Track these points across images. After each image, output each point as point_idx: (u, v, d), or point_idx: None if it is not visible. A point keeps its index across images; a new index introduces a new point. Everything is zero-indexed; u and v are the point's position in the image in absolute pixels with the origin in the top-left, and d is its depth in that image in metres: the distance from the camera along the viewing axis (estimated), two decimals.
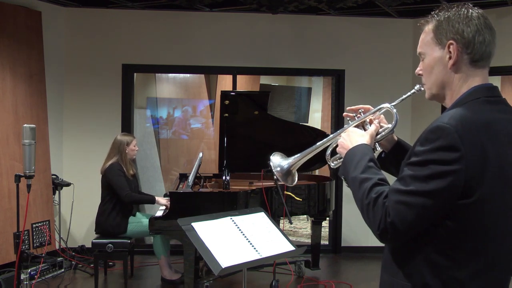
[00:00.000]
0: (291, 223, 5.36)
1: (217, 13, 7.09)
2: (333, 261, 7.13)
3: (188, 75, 8.79)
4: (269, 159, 2.25)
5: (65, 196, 6.60)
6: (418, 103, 7.12)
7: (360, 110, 2.13)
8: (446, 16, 1.80)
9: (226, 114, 5.84)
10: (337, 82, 7.41)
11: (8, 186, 5.70)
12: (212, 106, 8.94)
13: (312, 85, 10.41)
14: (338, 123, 7.35)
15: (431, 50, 1.82)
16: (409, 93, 2.03)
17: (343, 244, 7.42)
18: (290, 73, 8.26)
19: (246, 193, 5.21)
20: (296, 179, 2.23)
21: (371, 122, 2.08)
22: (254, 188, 5.48)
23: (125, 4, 6.80)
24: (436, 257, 1.70)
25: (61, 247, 6.43)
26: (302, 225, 9.22)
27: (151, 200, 5.74)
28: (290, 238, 3.48)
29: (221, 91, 5.92)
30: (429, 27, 1.84)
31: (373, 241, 7.72)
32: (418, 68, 1.90)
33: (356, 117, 2.13)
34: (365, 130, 2.06)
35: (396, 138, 2.15)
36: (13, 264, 5.05)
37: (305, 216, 8.23)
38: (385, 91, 7.28)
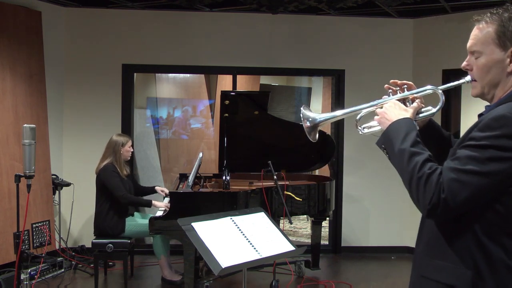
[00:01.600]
0: (291, 223, 5.35)
1: (217, 13, 7.09)
2: (333, 261, 7.12)
3: (188, 75, 8.81)
4: (299, 111, 2.21)
5: (65, 196, 6.60)
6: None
7: (404, 86, 2.12)
8: (511, 19, 1.80)
9: (226, 114, 5.84)
10: (337, 82, 7.41)
11: (8, 186, 5.69)
12: (212, 106, 8.95)
13: (312, 85, 10.41)
14: (338, 123, 7.33)
15: (490, 51, 1.83)
16: (458, 82, 2.01)
17: (343, 244, 7.41)
18: (290, 73, 8.26)
19: (246, 193, 5.21)
20: (317, 136, 2.21)
21: (413, 100, 2.07)
22: (254, 188, 5.48)
23: (125, 4, 6.80)
24: (485, 240, 1.75)
25: (61, 247, 6.42)
26: (302, 225, 9.21)
27: (148, 204, 5.63)
28: (290, 238, 3.49)
29: (221, 91, 5.92)
30: (489, 27, 1.84)
31: (373, 241, 7.76)
32: (465, 63, 1.93)
33: (398, 92, 2.12)
34: (405, 106, 2.06)
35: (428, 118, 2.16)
36: (13, 264, 5.04)
37: (305, 216, 8.23)
38: (385, 91, 7.25)
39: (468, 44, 1.90)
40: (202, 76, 8.79)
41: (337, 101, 7.40)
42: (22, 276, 4.97)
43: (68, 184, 6.54)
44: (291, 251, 3.08)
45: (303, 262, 6.18)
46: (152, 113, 8.60)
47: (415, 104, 2.04)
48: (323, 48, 7.31)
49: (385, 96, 2.12)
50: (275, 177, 5.34)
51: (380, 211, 7.33)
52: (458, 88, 6.55)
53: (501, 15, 1.82)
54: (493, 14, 1.84)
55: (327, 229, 7.63)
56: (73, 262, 6.28)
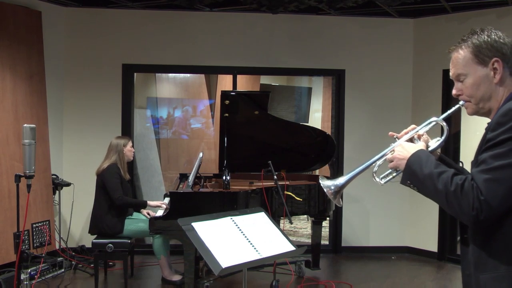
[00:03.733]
0: (291, 223, 5.34)
1: (217, 13, 7.08)
2: (333, 261, 7.11)
3: (188, 75, 8.79)
4: (320, 184, 2.29)
5: (65, 196, 6.59)
6: (418, 106, 7.12)
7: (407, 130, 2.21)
8: (482, 39, 1.97)
9: (227, 114, 5.82)
10: (337, 82, 7.39)
11: (8, 186, 5.67)
12: (212, 106, 8.93)
13: (312, 85, 10.40)
14: (338, 123, 7.33)
15: (473, 70, 1.98)
16: (455, 108, 2.12)
17: (343, 244, 7.40)
18: (290, 73, 8.27)
19: (246, 193, 5.18)
20: (341, 201, 2.27)
21: (419, 137, 2.16)
22: (254, 188, 5.46)
23: (125, 4, 6.79)
24: None
25: (61, 247, 6.41)
26: (303, 225, 9.19)
27: (143, 204, 5.73)
28: (290, 238, 3.48)
29: (221, 91, 5.90)
30: (464, 51, 1.99)
31: (373, 241, 7.76)
32: (455, 90, 2.05)
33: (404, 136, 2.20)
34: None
35: (438, 153, 2.22)
36: (13, 264, 5.03)
37: (306, 216, 8.21)
38: (385, 91, 7.27)
39: (451, 73, 2.05)
40: (202, 76, 8.78)
41: (337, 101, 7.38)
42: (22, 276, 5.02)
43: (68, 184, 6.53)
44: (292, 251, 3.08)
45: (303, 262, 6.16)
46: (152, 113, 8.59)
47: (424, 138, 2.15)
48: (323, 48, 7.29)
49: (392, 144, 2.20)
50: (275, 177, 5.32)
51: (380, 211, 7.33)
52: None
53: (471, 38, 1.99)
54: (464, 41, 2.01)
55: (327, 229, 7.62)
56: (73, 262, 6.26)
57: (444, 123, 2.15)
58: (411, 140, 2.15)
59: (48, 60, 6.52)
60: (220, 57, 7.17)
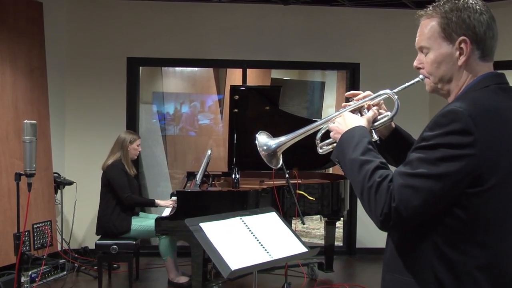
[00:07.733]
0: (303, 223, 5.30)
1: (226, 4, 7.03)
2: (347, 263, 7.05)
3: (196, 68, 8.84)
4: (255, 138, 2.18)
5: (68, 195, 6.54)
6: (436, 99, 6.89)
7: (359, 97, 2.07)
8: (454, 9, 1.74)
9: (236, 110, 5.76)
10: (352, 76, 7.33)
11: (8, 185, 5.64)
12: (221, 101, 8.98)
13: (325, 79, 10.42)
14: None
15: (437, 45, 1.78)
16: (412, 81, 1.96)
17: (357, 246, 7.32)
18: (302, 66, 8.24)
19: (256, 192, 5.13)
20: (281, 162, 2.19)
21: (369, 108, 2.01)
22: (265, 187, 5.40)
23: None
24: (447, 250, 1.65)
25: (63, 248, 6.41)
26: (315, 225, 9.17)
27: (152, 203, 5.78)
28: (303, 239, 3.59)
29: (231, 85, 5.87)
30: (432, 21, 1.79)
31: None
32: (417, 62, 1.89)
33: (353, 103, 2.06)
34: (361, 116, 2.00)
35: (394, 125, 2.11)
36: (13, 266, 5.00)
37: (318, 216, 8.23)
38: (401, 85, 7.05)
39: (416, 42, 1.88)
40: (211, 70, 8.80)
41: None
42: (23, 279, 5.17)
43: (70, 183, 6.49)
44: (304, 252, 3.06)
45: (316, 264, 6.14)
46: (158, 109, 8.64)
47: (370, 113, 1.98)
48: (337, 41, 7.21)
49: (341, 109, 2.06)
50: (286, 175, 5.22)
51: None
52: None
53: (443, 7, 1.77)
54: (435, 7, 1.80)
55: (341, 230, 7.57)
56: (75, 264, 6.23)
57: (396, 97, 1.96)
58: (359, 109, 2.00)
59: (50, 54, 6.47)
60: (229, 50, 7.11)
